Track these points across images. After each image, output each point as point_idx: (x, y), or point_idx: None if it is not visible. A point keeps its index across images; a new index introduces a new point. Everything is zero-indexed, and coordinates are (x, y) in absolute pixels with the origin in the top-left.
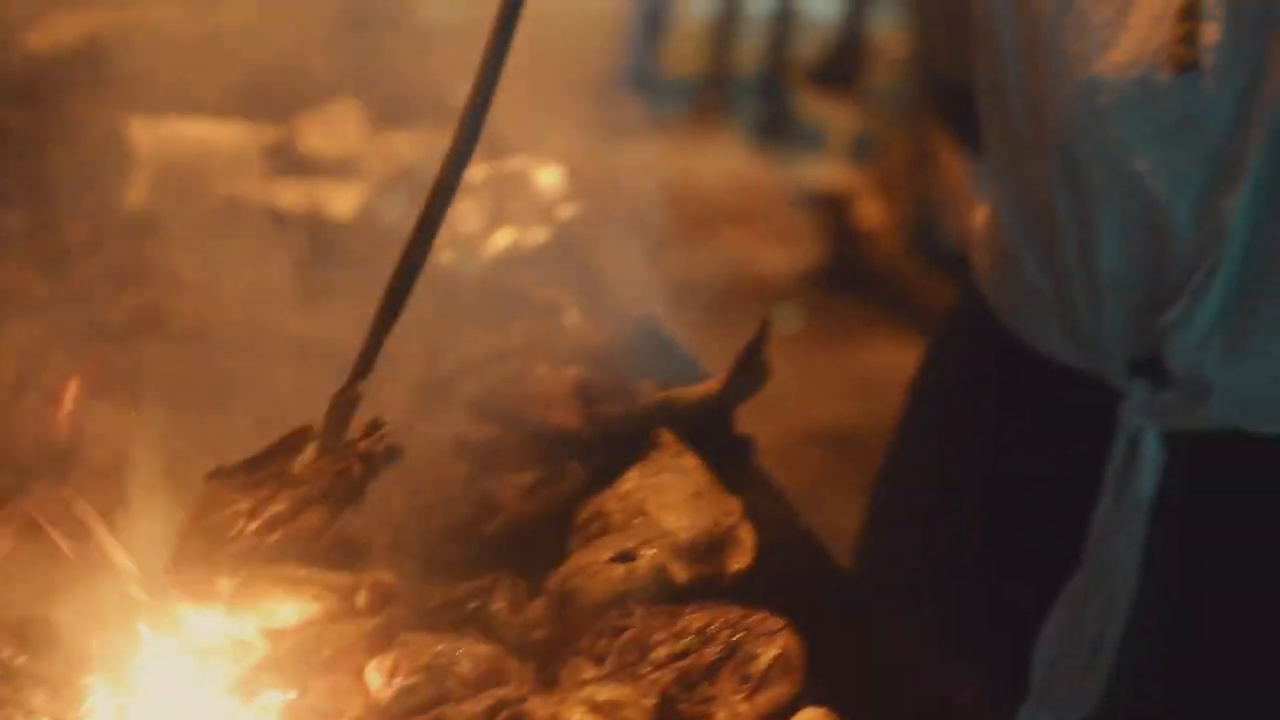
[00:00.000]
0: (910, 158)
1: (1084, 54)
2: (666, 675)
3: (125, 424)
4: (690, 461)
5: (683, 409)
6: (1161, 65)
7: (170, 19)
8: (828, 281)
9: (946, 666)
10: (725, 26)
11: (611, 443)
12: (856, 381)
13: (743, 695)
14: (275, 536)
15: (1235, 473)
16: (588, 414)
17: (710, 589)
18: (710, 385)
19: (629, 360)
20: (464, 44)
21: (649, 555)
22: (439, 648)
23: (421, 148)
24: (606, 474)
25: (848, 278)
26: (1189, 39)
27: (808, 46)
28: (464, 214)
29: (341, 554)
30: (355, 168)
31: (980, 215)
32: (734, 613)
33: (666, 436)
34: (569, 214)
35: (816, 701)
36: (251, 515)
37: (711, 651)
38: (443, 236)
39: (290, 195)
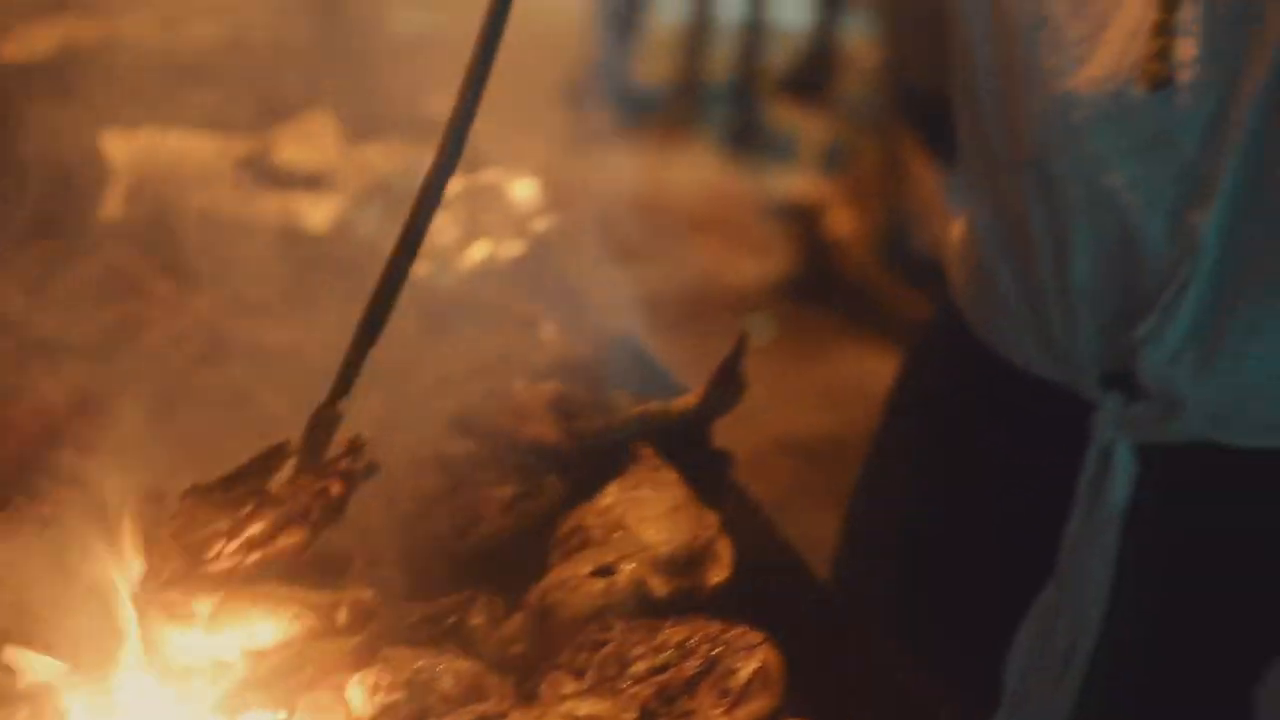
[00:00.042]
0: (881, 167)
1: (1059, 69)
2: (646, 689)
3: (102, 438)
4: (669, 476)
5: (661, 423)
6: (1136, 81)
7: (144, 30)
8: (798, 291)
9: (925, 680)
10: (696, 35)
11: (590, 457)
12: (827, 391)
13: (722, 709)
14: (255, 557)
15: (1208, 485)
16: (566, 428)
17: (689, 603)
18: (688, 399)
19: (606, 374)
20: (436, 55)
21: (628, 569)
22: (419, 664)
23: (396, 160)
24: (585, 488)
25: (819, 287)
26: (1163, 55)
27: (778, 55)
28: (439, 227)
29: (320, 570)
30: (330, 180)
31: (956, 228)
32: (713, 627)
33: (645, 450)
34: (544, 227)
35: (796, 715)
36: (231, 535)
37: (691, 665)
38: None
39: (266, 207)
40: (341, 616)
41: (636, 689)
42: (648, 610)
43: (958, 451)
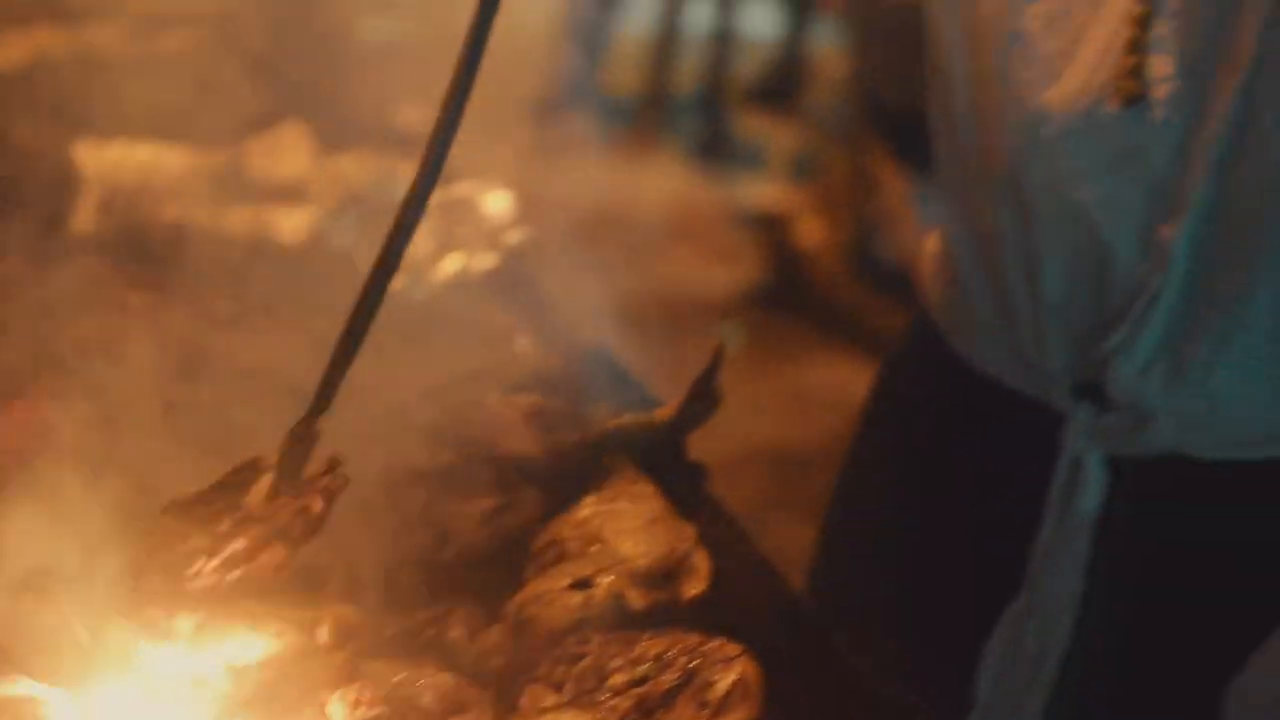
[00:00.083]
0: (850, 177)
1: (1032, 84)
2: (625, 702)
3: (74, 452)
4: (646, 488)
5: (637, 435)
6: (1109, 97)
7: (114, 42)
8: (768, 300)
9: (900, 690)
10: (664, 45)
11: (567, 469)
12: (797, 400)
13: None
14: (236, 574)
15: (1178, 496)
16: (543, 441)
17: (666, 615)
18: (664, 411)
19: (581, 386)
20: (404, 63)
21: (606, 582)
22: (399, 678)
23: (369, 171)
24: (562, 501)
25: (788, 296)
26: (1137, 72)
27: (747, 65)
28: (413, 240)
29: (296, 584)
30: (304, 191)
31: (930, 240)
32: (691, 639)
33: (621, 463)
34: (517, 239)
35: None
36: (211, 553)
37: (669, 678)
38: None
39: (239, 219)
40: (323, 634)
41: (616, 701)
42: (625, 623)
43: (932, 461)
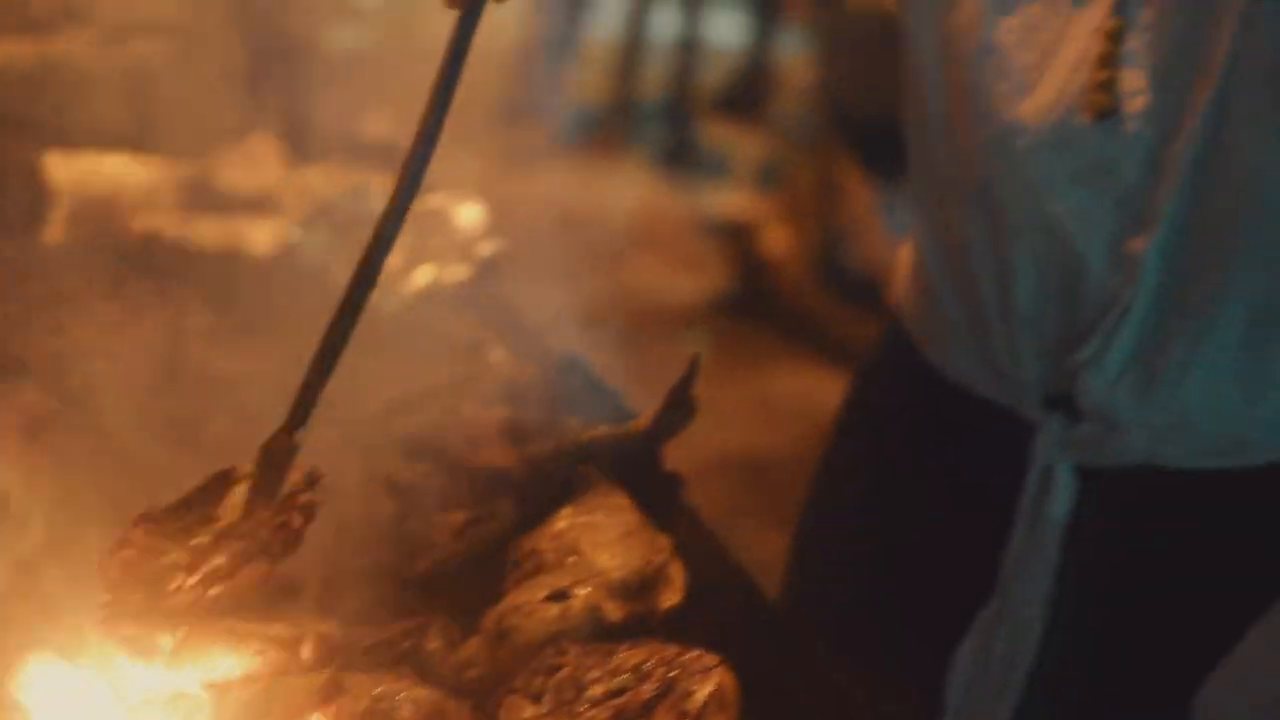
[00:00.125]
0: (816, 185)
1: (1005, 97)
2: (603, 713)
3: (47, 465)
4: (621, 500)
5: (612, 447)
6: (1080, 110)
7: (82, 53)
8: (734, 309)
9: (874, 697)
10: (630, 53)
11: (542, 481)
12: (763, 409)
13: None
14: (216, 591)
15: (1148, 504)
16: (518, 453)
17: (642, 627)
18: (639, 422)
19: (555, 397)
20: (369, 73)
21: (583, 594)
22: (378, 690)
23: (338, 182)
24: (537, 512)
25: (754, 305)
26: (1108, 86)
27: (713, 74)
28: None
29: (270, 596)
30: (273, 203)
31: (904, 250)
32: (668, 650)
33: (597, 475)
34: (488, 251)
35: None
36: (191, 568)
37: (647, 689)
38: None
39: (208, 231)
40: (306, 651)
41: (594, 712)
42: (602, 634)
43: (905, 470)
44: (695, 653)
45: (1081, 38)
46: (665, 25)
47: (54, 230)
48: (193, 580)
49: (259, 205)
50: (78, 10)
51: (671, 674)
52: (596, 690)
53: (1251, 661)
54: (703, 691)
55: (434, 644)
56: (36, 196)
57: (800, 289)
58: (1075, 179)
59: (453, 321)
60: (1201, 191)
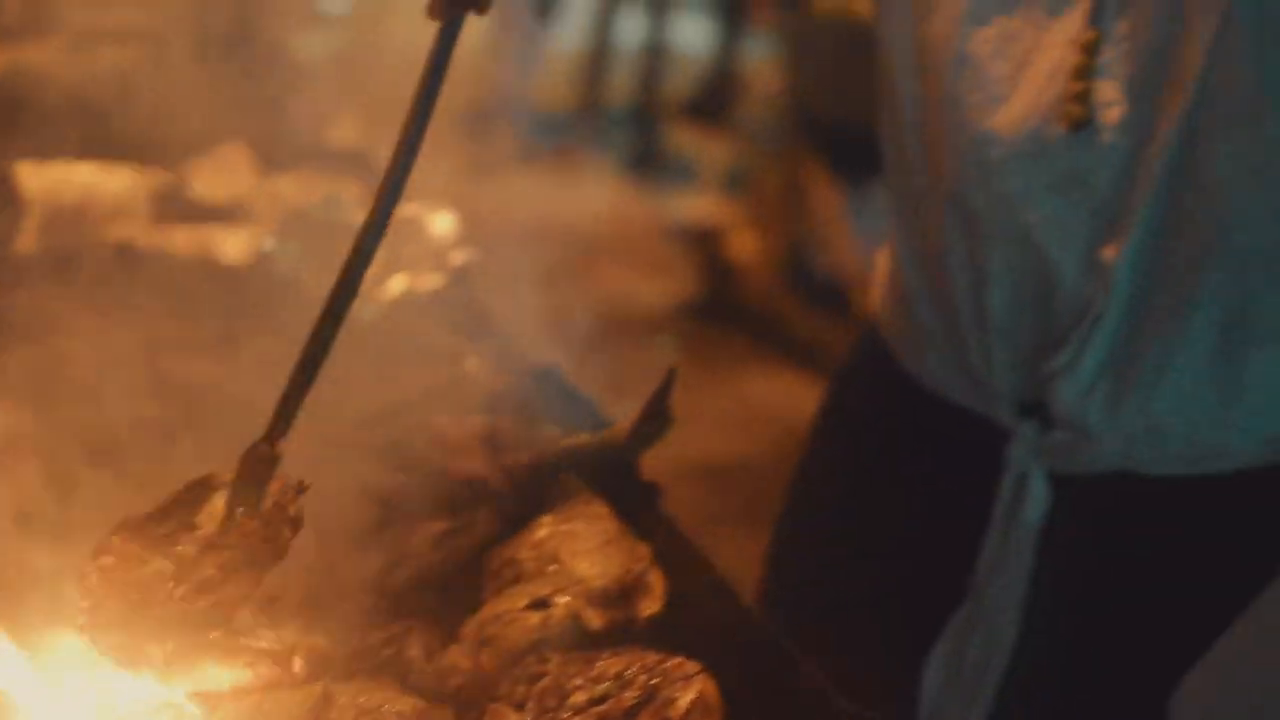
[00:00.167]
0: (783, 190)
1: (980, 107)
2: None
3: (21, 475)
4: (600, 509)
5: (590, 455)
6: (1055, 121)
7: (53, 61)
8: (702, 314)
9: (854, 703)
10: (597, 60)
11: (520, 490)
12: (733, 414)
13: None
14: (204, 602)
15: (1121, 510)
16: (497, 462)
17: (623, 635)
18: (617, 432)
19: (531, 405)
20: (338, 79)
21: (564, 602)
22: (362, 699)
23: (310, 191)
24: (516, 521)
25: (722, 310)
26: (1083, 97)
27: (679, 79)
28: None
29: (253, 605)
30: (246, 212)
31: (880, 258)
32: (650, 657)
33: (576, 483)
34: (461, 259)
35: None
36: (178, 579)
37: (630, 696)
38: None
39: (181, 240)
40: (297, 665)
41: None
42: (583, 642)
43: (880, 475)
44: (677, 660)
45: (1057, 49)
46: (632, 31)
47: (26, 240)
48: (181, 591)
49: (231, 214)
50: (47, 18)
51: (653, 681)
52: (579, 698)
53: (1225, 665)
54: (685, 698)
55: (414, 652)
56: (8, 206)
57: (768, 294)
58: (1050, 189)
59: (428, 329)
60: (1174, 200)
